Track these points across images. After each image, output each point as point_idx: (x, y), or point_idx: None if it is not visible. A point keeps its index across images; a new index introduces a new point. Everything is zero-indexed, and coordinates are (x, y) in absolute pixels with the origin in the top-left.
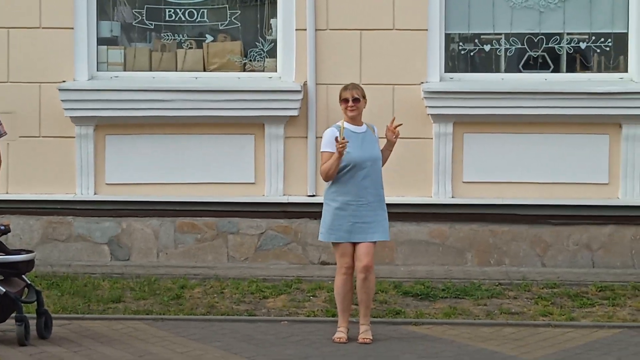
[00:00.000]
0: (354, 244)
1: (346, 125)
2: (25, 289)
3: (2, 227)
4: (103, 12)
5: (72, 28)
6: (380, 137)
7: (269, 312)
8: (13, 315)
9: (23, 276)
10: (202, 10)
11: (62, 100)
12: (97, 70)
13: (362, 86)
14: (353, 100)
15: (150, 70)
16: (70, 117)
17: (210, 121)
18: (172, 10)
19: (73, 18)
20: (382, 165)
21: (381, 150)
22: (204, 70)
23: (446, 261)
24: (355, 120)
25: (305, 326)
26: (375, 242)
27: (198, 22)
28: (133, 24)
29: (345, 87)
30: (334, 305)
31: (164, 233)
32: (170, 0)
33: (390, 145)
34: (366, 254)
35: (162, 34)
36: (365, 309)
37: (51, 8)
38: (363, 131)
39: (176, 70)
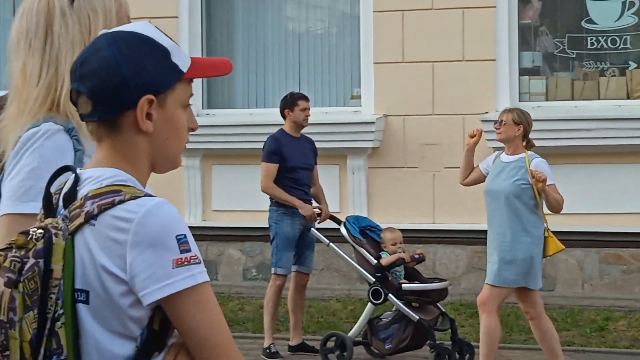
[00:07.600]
0: None
1: None
2: (440, 317)
3: (417, 256)
4: (525, 42)
5: (494, 60)
6: None
7: None
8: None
9: (437, 304)
10: (625, 36)
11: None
12: (519, 101)
13: None
14: None
15: (572, 99)
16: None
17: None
18: (594, 38)
19: (494, 49)
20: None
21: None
22: (627, 98)
23: None
24: None
25: None
26: None
27: (621, 49)
28: (555, 53)
29: None
30: None
31: (589, 263)
32: (592, 28)
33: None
34: None
35: (583, 63)
36: None
37: (474, 41)
38: None
39: (598, 99)
